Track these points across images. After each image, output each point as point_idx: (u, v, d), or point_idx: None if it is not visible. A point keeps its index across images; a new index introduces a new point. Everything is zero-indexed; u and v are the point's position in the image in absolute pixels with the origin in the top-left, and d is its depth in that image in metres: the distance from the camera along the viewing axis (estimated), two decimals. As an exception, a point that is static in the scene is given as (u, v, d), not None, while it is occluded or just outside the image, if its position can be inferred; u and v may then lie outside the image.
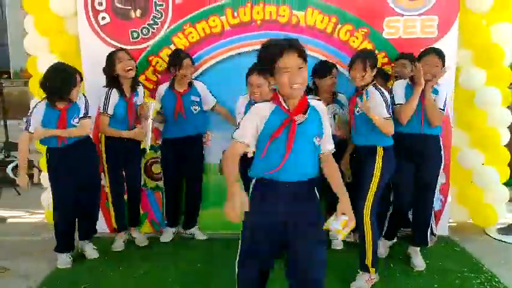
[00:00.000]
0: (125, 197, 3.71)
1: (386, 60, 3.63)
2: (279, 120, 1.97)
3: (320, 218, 2.08)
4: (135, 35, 3.68)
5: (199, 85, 3.64)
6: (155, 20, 3.66)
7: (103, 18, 3.66)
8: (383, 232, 3.47)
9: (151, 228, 3.93)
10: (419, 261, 3.26)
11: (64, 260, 3.36)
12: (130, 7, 3.65)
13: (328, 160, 2.13)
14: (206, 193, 3.87)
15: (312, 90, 3.42)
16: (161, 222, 3.93)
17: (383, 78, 3.48)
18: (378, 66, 3.10)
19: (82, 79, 3.27)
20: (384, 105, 2.88)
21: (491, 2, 3.51)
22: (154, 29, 3.67)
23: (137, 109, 3.53)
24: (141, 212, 3.86)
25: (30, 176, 3.56)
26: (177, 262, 3.41)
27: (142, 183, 3.84)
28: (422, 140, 3.11)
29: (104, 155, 3.53)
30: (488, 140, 3.81)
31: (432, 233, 3.54)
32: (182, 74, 3.48)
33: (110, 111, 3.41)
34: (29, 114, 3.16)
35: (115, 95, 3.42)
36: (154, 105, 3.43)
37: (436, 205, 3.63)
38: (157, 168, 3.89)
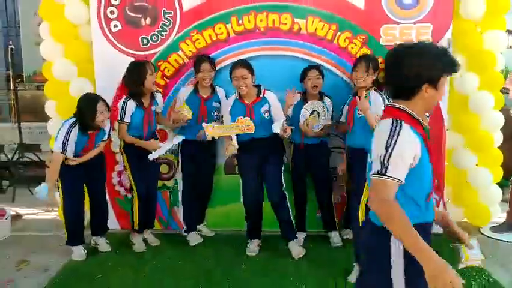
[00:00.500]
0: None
1: (382, 65, 3.77)
2: None
3: None
4: (145, 41, 3.86)
5: (220, 92, 3.75)
6: (164, 27, 3.83)
7: (115, 26, 3.85)
8: None
9: (159, 226, 4.10)
10: None
11: (79, 253, 3.54)
12: (140, 15, 3.83)
13: None
14: (213, 192, 4.03)
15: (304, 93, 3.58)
16: (169, 220, 4.10)
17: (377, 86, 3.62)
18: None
19: (109, 109, 3.44)
20: (383, 107, 3.04)
21: (483, 10, 3.62)
22: (163, 35, 3.84)
23: (155, 117, 3.64)
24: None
25: None
26: (186, 257, 3.56)
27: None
28: None
29: (125, 159, 3.62)
30: (482, 142, 3.88)
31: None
32: (200, 78, 3.61)
33: (127, 119, 3.50)
34: (59, 134, 3.33)
35: (131, 104, 3.49)
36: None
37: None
38: (164, 168, 4.06)
